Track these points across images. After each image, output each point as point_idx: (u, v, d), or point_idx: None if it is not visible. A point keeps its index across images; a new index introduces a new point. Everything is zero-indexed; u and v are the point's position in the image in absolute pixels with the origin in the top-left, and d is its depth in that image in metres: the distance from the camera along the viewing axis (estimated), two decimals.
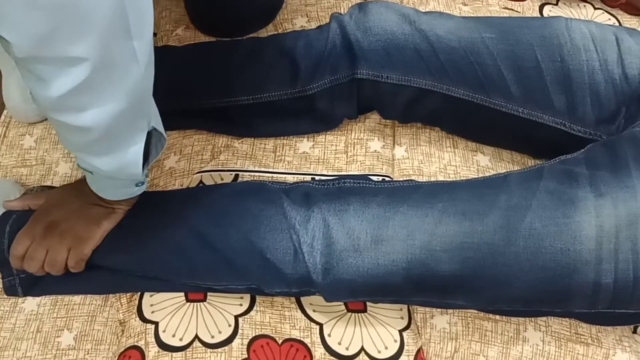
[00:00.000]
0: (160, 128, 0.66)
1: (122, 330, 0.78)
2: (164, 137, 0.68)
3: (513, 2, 1.08)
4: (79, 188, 0.76)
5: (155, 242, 0.76)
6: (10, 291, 0.79)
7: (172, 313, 0.77)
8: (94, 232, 0.75)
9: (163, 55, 0.91)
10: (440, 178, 0.89)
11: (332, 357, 0.75)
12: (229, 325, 0.76)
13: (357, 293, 0.74)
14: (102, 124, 0.57)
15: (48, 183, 0.88)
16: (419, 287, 0.71)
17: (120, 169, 0.65)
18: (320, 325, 0.78)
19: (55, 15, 0.49)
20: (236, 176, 0.88)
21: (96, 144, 0.61)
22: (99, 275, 0.79)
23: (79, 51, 0.51)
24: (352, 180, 0.79)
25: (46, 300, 0.80)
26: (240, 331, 0.76)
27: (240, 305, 0.78)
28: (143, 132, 0.63)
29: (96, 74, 0.53)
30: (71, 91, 0.53)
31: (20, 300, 0.80)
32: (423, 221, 0.70)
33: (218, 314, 0.77)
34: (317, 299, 0.79)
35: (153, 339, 0.75)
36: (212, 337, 0.75)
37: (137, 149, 0.63)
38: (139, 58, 0.55)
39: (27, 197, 0.80)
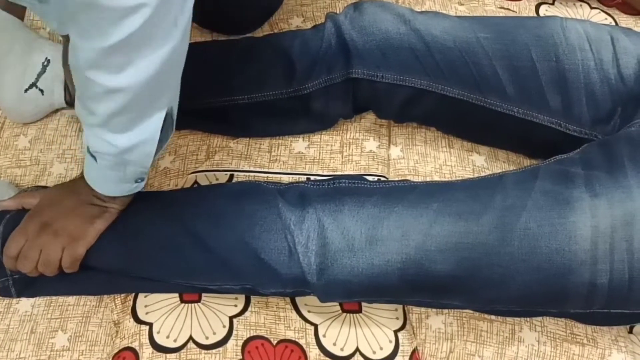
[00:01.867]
0: (174, 115, 0.67)
1: (117, 331, 0.78)
2: (173, 128, 0.69)
3: (509, 2, 1.08)
4: (73, 187, 0.76)
5: (149, 242, 0.76)
6: (4, 292, 0.79)
7: (167, 314, 0.77)
8: (87, 231, 0.74)
9: None
10: (436, 178, 0.89)
11: (327, 358, 0.75)
12: (224, 326, 0.76)
13: (352, 293, 0.73)
14: (134, 86, 0.59)
15: (42, 183, 0.88)
16: (414, 288, 0.71)
17: (135, 147, 0.65)
18: (315, 326, 0.77)
19: None
20: (231, 176, 0.88)
21: (121, 114, 0.62)
22: (93, 276, 0.78)
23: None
24: (347, 181, 0.79)
25: (40, 301, 0.79)
26: (234, 332, 0.76)
27: (235, 306, 0.78)
28: (163, 110, 0.64)
29: (148, 24, 0.54)
30: (123, 41, 0.55)
31: (14, 301, 0.79)
32: (418, 221, 0.70)
33: (213, 314, 0.77)
34: (312, 300, 0.79)
35: (147, 340, 0.75)
36: (207, 338, 0.75)
37: (155, 125, 0.64)
38: (178, 24, 0.58)
39: (20, 196, 0.80)
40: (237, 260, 0.73)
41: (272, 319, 0.77)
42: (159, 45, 0.58)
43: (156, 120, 0.64)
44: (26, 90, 0.89)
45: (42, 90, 0.89)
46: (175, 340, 0.75)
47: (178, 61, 0.62)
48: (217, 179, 0.87)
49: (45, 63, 0.88)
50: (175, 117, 0.68)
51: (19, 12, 1.01)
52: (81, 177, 0.74)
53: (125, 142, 0.64)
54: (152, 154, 0.67)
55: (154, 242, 0.76)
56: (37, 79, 0.88)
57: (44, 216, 0.75)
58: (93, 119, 0.64)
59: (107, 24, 0.54)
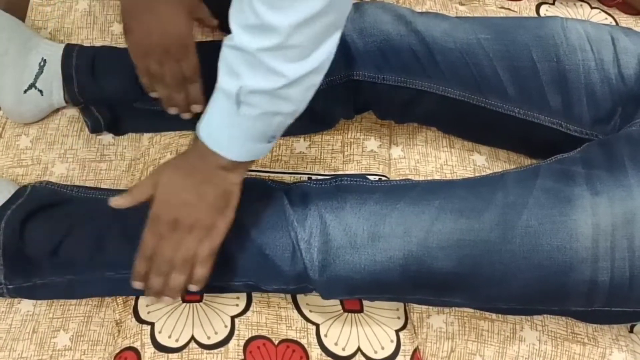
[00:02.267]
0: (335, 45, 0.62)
1: (118, 331, 0.78)
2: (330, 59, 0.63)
3: (510, 2, 1.08)
4: (188, 167, 0.70)
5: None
6: None
7: (168, 314, 0.77)
8: (220, 221, 0.70)
9: None
10: (437, 177, 0.89)
11: (328, 358, 0.75)
12: (225, 326, 0.76)
13: (354, 290, 0.74)
14: None
15: None
16: (416, 284, 0.72)
17: (305, 77, 0.59)
18: (317, 326, 0.78)
19: None
20: None
21: (307, 25, 0.56)
22: (91, 282, 0.78)
23: None
24: (349, 179, 0.79)
25: (42, 300, 0.79)
26: (236, 332, 0.76)
27: (237, 305, 0.78)
28: (339, 31, 0.60)
29: None
30: None
31: (16, 300, 0.79)
32: (420, 218, 0.71)
33: (214, 314, 0.77)
34: (314, 299, 0.79)
35: (149, 340, 0.75)
36: (209, 338, 0.75)
37: (330, 48, 0.60)
38: None
39: (133, 191, 0.72)
40: (241, 255, 0.74)
41: (274, 319, 0.78)
42: None
43: (332, 43, 0.60)
44: (25, 91, 0.89)
45: (41, 91, 0.89)
46: (177, 340, 0.75)
47: None
48: None
49: (42, 63, 0.88)
50: (335, 48, 0.62)
51: (20, 13, 1.01)
52: (192, 151, 0.69)
53: (298, 71, 0.59)
54: (315, 88, 0.62)
55: None
56: (35, 80, 0.88)
57: (172, 213, 0.69)
58: (268, 40, 0.57)
59: None
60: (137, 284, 0.71)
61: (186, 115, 0.83)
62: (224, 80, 0.63)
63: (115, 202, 0.72)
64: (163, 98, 0.83)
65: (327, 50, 0.60)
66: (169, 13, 0.76)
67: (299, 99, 0.63)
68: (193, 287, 0.71)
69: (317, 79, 0.62)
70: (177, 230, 0.69)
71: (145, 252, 0.70)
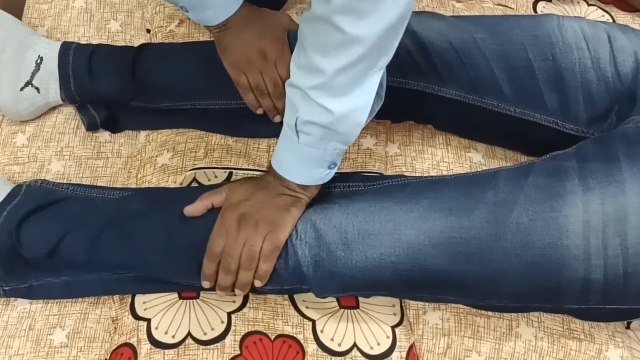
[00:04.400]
0: (384, 83, 0.72)
1: (115, 328, 0.78)
2: (381, 98, 0.73)
3: None
4: (260, 184, 0.76)
5: (147, 241, 0.76)
6: None
7: (165, 310, 0.77)
8: (286, 219, 0.73)
9: (161, 54, 0.91)
10: (433, 174, 0.89)
11: (324, 353, 0.75)
12: (222, 322, 0.76)
13: (347, 287, 0.74)
14: (371, 36, 0.62)
15: None
16: (408, 282, 0.72)
17: (349, 114, 0.68)
18: (313, 322, 0.78)
19: None
20: (230, 174, 0.88)
21: (348, 68, 0.64)
22: (87, 283, 0.78)
23: None
24: (341, 185, 0.79)
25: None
26: (233, 328, 0.76)
27: (233, 302, 0.78)
28: (380, 72, 0.68)
29: None
30: None
31: (12, 298, 0.79)
32: (408, 216, 0.71)
33: (211, 311, 0.77)
34: (310, 296, 0.79)
35: (145, 336, 0.75)
36: (205, 334, 0.75)
37: (371, 88, 0.68)
38: None
39: (205, 197, 0.76)
40: None
41: (270, 315, 0.78)
42: None
43: (373, 84, 0.67)
44: (22, 89, 0.89)
45: (37, 89, 0.89)
46: (173, 337, 0.75)
47: (407, 16, 0.64)
48: (215, 177, 0.88)
49: (39, 61, 0.89)
50: (385, 85, 0.72)
51: (17, 11, 1.01)
52: (267, 173, 0.76)
53: (341, 107, 0.66)
54: (362, 124, 0.69)
55: (151, 240, 0.76)
56: (32, 77, 0.89)
57: (239, 210, 0.73)
58: (315, 79, 0.66)
59: None
60: (206, 284, 0.74)
61: (278, 119, 0.87)
62: (287, 114, 0.72)
63: (190, 210, 0.75)
64: (268, 109, 0.86)
65: (369, 88, 0.68)
66: (268, 22, 0.86)
67: (348, 133, 0.70)
68: (257, 283, 0.73)
69: (362, 117, 0.69)
70: (243, 227, 0.72)
71: (213, 252, 0.72)
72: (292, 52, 0.73)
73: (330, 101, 0.66)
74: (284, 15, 0.91)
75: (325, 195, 0.77)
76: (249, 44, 0.82)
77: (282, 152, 0.73)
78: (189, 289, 0.78)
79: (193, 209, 0.75)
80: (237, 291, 0.74)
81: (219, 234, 0.73)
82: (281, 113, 0.84)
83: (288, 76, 0.71)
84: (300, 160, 0.72)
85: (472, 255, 0.69)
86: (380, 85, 0.70)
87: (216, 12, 0.82)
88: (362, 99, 0.68)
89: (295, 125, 0.69)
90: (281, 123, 0.90)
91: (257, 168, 0.89)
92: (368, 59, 0.64)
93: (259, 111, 0.87)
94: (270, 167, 0.75)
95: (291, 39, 0.85)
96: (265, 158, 0.90)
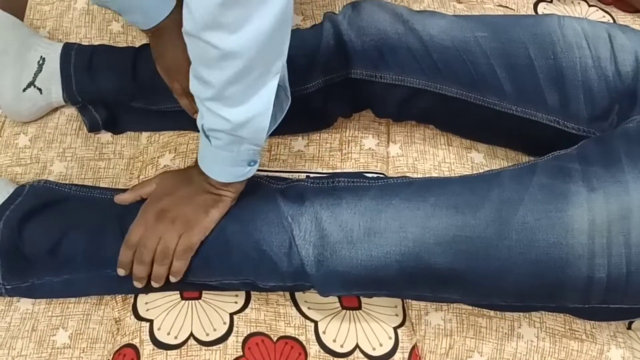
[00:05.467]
0: (287, 84, 0.68)
1: (118, 329, 0.78)
2: (288, 98, 0.70)
3: (507, 0, 1.09)
4: (186, 176, 0.77)
5: None
6: None
7: (167, 311, 0.77)
8: (202, 220, 0.74)
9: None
10: (435, 175, 0.89)
11: (326, 355, 0.75)
12: (224, 323, 0.76)
13: (351, 285, 0.74)
14: (250, 47, 0.60)
15: None
16: (413, 280, 0.72)
17: (249, 121, 0.66)
18: (315, 323, 0.78)
19: None
20: None
21: (235, 82, 0.62)
22: (89, 279, 0.78)
23: None
24: (345, 180, 0.79)
25: (41, 299, 0.79)
26: (235, 329, 0.76)
27: (235, 302, 0.78)
28: (276, 76, 0.65)
29: None
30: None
31: (15, 299, 0.80)
32: (415, 214, 0.71)
33: (213, 311, 0.77)
34: (312, 297, 0.79)
35: (148, 337, 0.75)
36: (207, 334, 0.75)
37: (268, 95, 0.65)
38: None
39: (137, 187, 0.80)
40: (237, 252, 0.74)
41: (273, 316, 0.78)
42: (271, 3, 0.58)
43: (269, 90, 0.65)
44: (24, 90, 0.89)
45: (40, 89, 0.89)
46: (176, 337, 0.75)
47: (287, 18, 0.61)
48: None
49: (41, 62, 0.89)
50: (288, 87, 0.69)
51: (19, 12, 1.01)
52: (194, 166, 0.75)
53: (239, 116, 0.65)
54: (266, 129, 0.68)
55: None
56: (34, 78, 0.89)
57: (161, 204, 0.76)
58: (207, 92, 0.65)
59: None
60: (121, 271, 0.75)
61: None
62: (197, 119, 0.71)
63: (120, 198, 0.79)
64: None
65: (266, 95, 0.65)
66: None
67: (254, 137, 0.69)
68: (172, 278, 0.75)
69: (264, 122, 0.67)
70: (160, 221, 0.74)
71: (129, 241, 0.74)
72: None
73: (227, 111, 0.65)
74: None
75: (331, 190, 0.77)
76: (180, 49, 0.77)
77: (202, 152, 0.73)
78: (189, 288, 0.78)
79: (122, 198, 0.79)
80: (153, 283, 0.75)
81: (138, 224, 0.75)
82: None
83: None
84: (218, 160, 0.72)
85: (476, 253, 0.69)
86: (284, 87, 0.69)
87: (145, 17, 0.80)
88: (260, 106, 0.65)
89: (204, 130, 0.70)
90: (283, 121, 0.91)
91: (258, 167, 0.89)
92: (256, 68, 0.62)
93: (196, 116, 0.86)
94: (196, 162, 0.75)
95: None
96: (265, 157, 0.90)
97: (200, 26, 0.59)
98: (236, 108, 0.65)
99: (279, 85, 0.66)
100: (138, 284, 0.76)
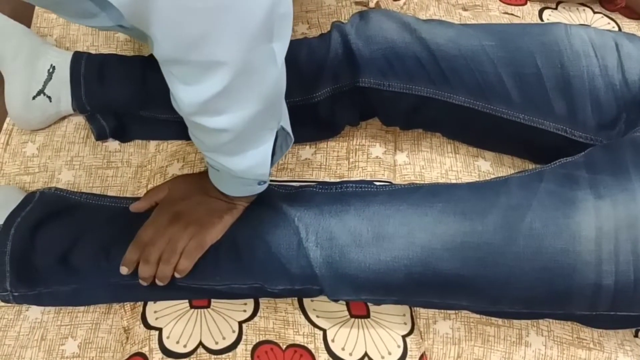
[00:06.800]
0: (288, 127, 0.68)
1: (127, 337, 0.78)
2: (290, 137, 0.70)
3: (513, 7, 1.09)
4: (201, 182, 0.78)
5: None
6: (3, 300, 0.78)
7: (176, 319, 0.77)
8: (216, 224, 0.75)
9: None
10: (442, 183, 0.89)
11: None
12: (233, 331, 0.77)
13: (359, 290, 0.74)
14: (237, 126, 0.59)
15: None
16: (420, 286, 0.72)
17: (249, 169, 0.67)
18: (324, 331, 0.78)
19: (211, 18, 0.49)
20: None
21: (229, 145, 0.63)
22: (96, 289, 0.78)
23: (224, 55, 0.51)
24: (354, 185, 0.80)
25: (50, 308, 0.80)
26: (244, 337, 0.76)
27: (244, 311, 0.79)
28: (273, 132, 0.65)
29: (237, 78, 0.54)
30: (213, 97, 0.54)
31: (24, 308, 0.80)
32: (423, 220, 0.71)
33: (222, 320, 0.78)
34: (321, 305, 0.79)
35: (157, 346, 0.75)
36: (216, 343, 0.76)
37: (266, 148, 0.66)
38: (278, 60, 0.56)
39: (150, 194, 0.81)
40: (247, 254, 0.75)
41: (281, 324, 0.78)
42: (257, 88, 0.57)
43: (266, 145, 0.65)
44: (34, 98, 0.89)
45: (49, 97, 0.89)
46: (185, 346, 0.75)
47: (280, 90, 0.61)
48: None
49: (51, 70, 0.89)
50: (289, 129, 0.68)
51: (26, 20, 1.02)
52: (207, 175, 0.76)
53: (238, 164, 0.66)
54: (268, 170, 0.69)
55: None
56: (44, 86, 0.89)
57: (175, 208, 0.77)
58: (203, 147, 0.67)
59: (194, 80, 0.54)
60: (124, 269, 0.75)
61: None
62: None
63: (135, 207, 0.80)
64: None
65: (264, 148, 0.65)
66: None
67: (256, 178, 0.70)
68: (177, 275, 0.75)
69: (264, 170, 0.68)
70: (173, 224, 0.74)
71: (139, 240, 0.75)
72: None
73: (226, 159, 0.66)
74: None
75: (339, 195, 0.78)
76: None
77: (210, 171, 0.75)
78: (198, 292, 0.78)
79: (137, 207, 0.80)
80: (157, 281, 0.75)
81: (150, 225, 0.76)
82: None
83: None
84: (228, 182, 0.73)
85: (484, 260, 0.69)
86: (286, 131, 0.68)
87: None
88: (258, 157, 0.66)
89: (210, 164, 0.71)
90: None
91: None
92: (246, 137, 0.62)
93: None
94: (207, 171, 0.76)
95: None
96: (274, 167, 0.90)
97: (187, 112, 0.59)
98: (233, 157, 0.66)
99: (281, 128, 0.66)
100: (143, 282, 0.76)
